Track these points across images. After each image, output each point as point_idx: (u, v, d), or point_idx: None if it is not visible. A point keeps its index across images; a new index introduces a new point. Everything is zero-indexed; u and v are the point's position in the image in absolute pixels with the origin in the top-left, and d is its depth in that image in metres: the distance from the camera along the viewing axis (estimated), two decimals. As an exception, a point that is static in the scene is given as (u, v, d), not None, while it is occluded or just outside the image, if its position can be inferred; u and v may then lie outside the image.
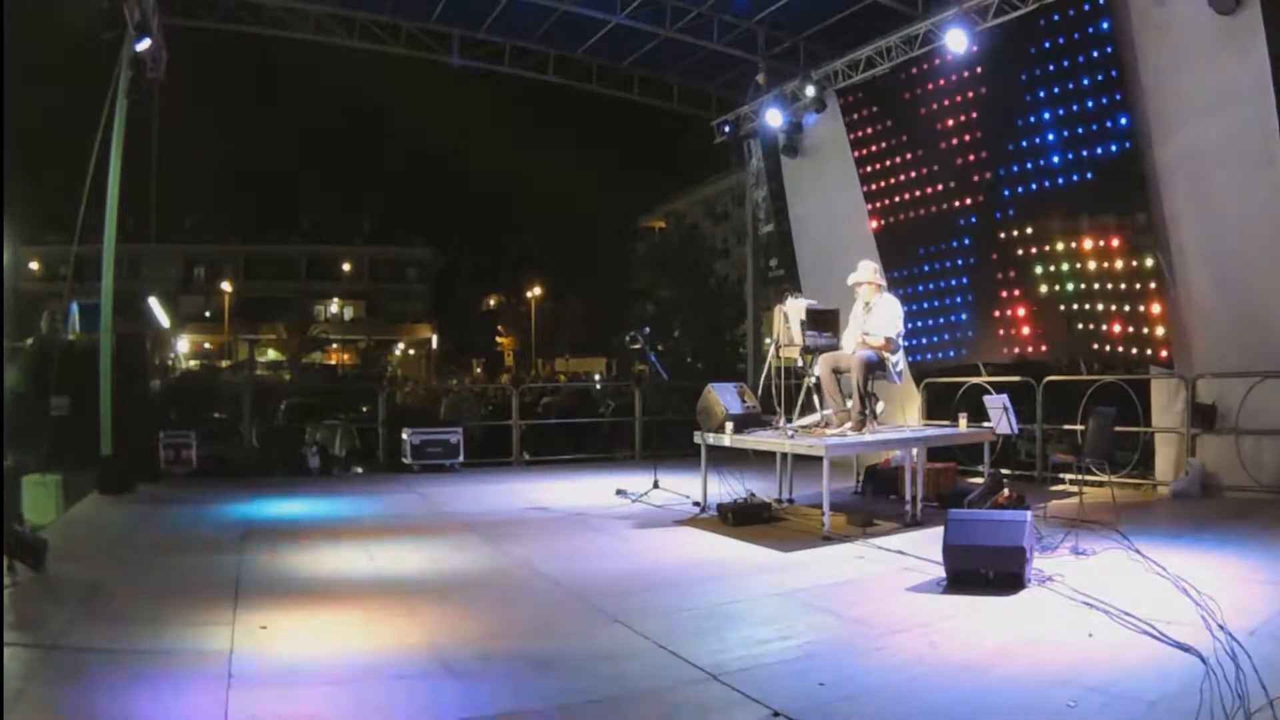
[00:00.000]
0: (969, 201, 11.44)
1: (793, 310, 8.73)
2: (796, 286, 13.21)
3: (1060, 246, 10.31)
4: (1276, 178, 8.30)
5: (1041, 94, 10.26)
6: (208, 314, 51.05)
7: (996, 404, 8.59)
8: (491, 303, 58.29)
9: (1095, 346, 10.13)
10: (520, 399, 14.45)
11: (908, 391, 11.44)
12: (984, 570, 5.45)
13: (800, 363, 8.94)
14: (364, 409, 14.90)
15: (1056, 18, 9.93)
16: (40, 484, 7.95)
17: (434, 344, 54.12)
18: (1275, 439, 8.59)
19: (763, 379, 9.34)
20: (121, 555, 7.02)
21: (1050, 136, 10.23)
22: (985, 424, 8.76)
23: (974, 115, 11.13)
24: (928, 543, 6.44)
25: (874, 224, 12.71)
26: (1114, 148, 9.57)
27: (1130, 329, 9.62)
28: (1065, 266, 10.30)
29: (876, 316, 8.45)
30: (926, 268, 12.10)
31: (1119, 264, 9.70)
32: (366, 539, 7.81)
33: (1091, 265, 10.00)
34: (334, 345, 53.29)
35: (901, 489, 8.53)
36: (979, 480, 9.45)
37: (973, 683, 4.01)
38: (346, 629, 5.02)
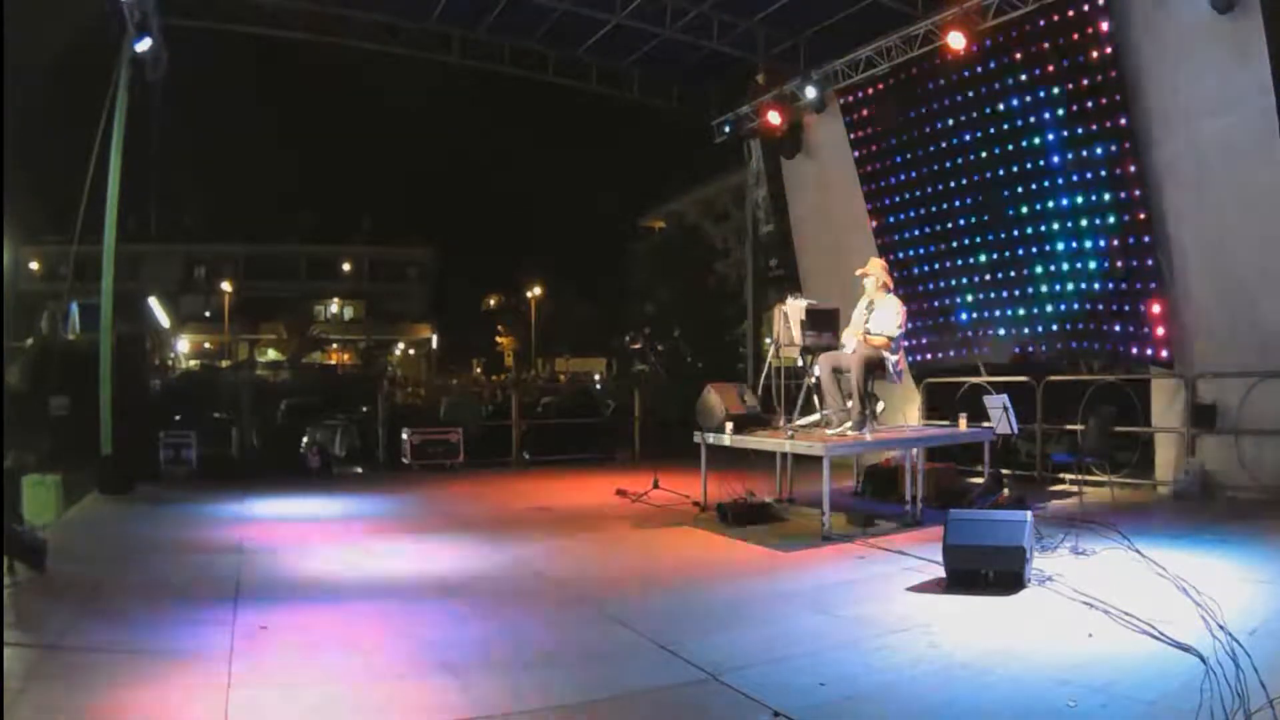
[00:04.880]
0: (969, 201, 11.44)
1: (793, 310, 8.73)
2: (796, 286, 13.21)
3: (1060, 246, 10.31)
4: (1276, 178, 8.30)
5: (1041, 94, 10.26)
6: (208, 314, 51.01)
7: (996, 404, 8.59)
8: (491, 303, 58.23)
9: (1095, 346, 10.13)
10: (520, 399, 14.46)
11: (908, 391, 11.45)
12: (984, 570, 5.45)
13: (800, 363, 8.93)
14: (364, 409, 14.90)
15: (1056, 18, 9.93)
16: (40, 484, 7.94)
17: (434, 344, 54.10)
18: (1275, 439, 8.58)
19: (763, 379, 9.34)
20: (121, 555, 7.01)
21: (1050, 137, 10.24)
22: (985, 424, 8.76)
23: (974, 115, 11.13)
24: (928, 543, 6.44)
25: (874, 224, 12.70)
26: (1114, 148, 9.57)
27: (1130, 329, 9.62)
28: (1065, 266, 10.31)
29: (879, 315, 8.45)
30: (926, 268, 12.11)
31: (1119, 264, 9.70)
32: (366, 539, 7.82)
33: (1092, 265, 10.00)
34: (334, 345, 53.25)
35: (901, 489, 8.53)
36: (979, 480, 9.45)
37: (973, 682, 4.00)
38: (346, 629, 5.02)
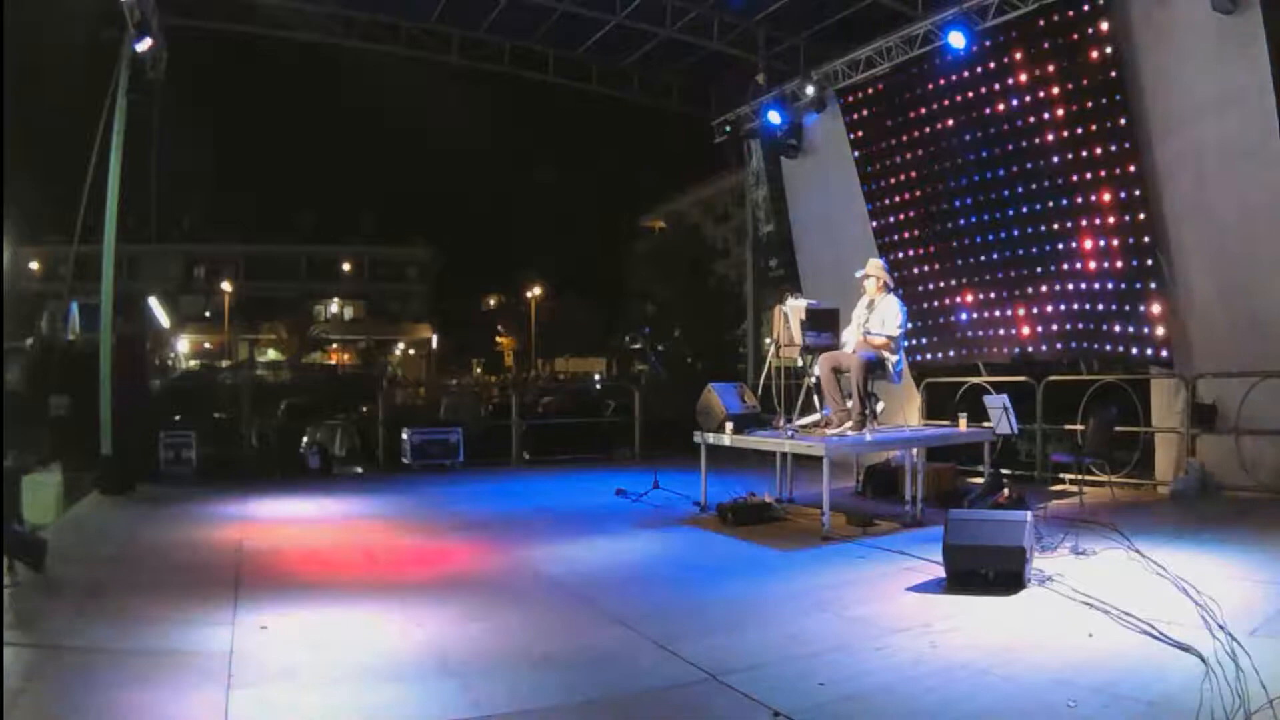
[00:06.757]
0: (969, 201, 11.44)
1: (793, 310, 8.73)
2: (796, 286, 13.21)
3: (1060, 246, 10.31)
4: (1276, 178, 8.30)
5: (1041, 94, 10.25)
6: (208, 314, 51.03)
7: (996, 404, 8.59)
8: (491, 303, 58.26)
9: (1095, 346, 10.13)
10: (520, 398, 14.46)
11: (908, 391, 11.44)
12: (984, 570, 5.45)
13: (800, 363, 8.93)
14: (364, 409, 14.90)
15: (1056, 18, 9.93)
16: (40, 484, 7.94)
17: (434, 344, 54.12)
18: (1275, 439, 8.58)
19: (763, 379, 9.34)
20: (121, 555, 7.02)
21: (1050, 136, 10.23)
22: (985, 424, 8.76)
23: (974, 115, 11.13)
24: (928, 543, 6.44)
25: (874, 224, 12.70)
26: (1114, 148, 9.56)
27: (1130, 329, 9.62)
28: (1065, 266, 10.30)
29: (879, 315, 8.46)
30: (927, 268, 12.11)
31: (1119, 264, 9.70)
32: (367, 539, 7.82)
33: (1091, 265, 10.00)
34: (334, 345, 53.26)
35: (901, 489, 8.53)
36: (979, 480, 9.45)
37: (973, 682, 4.01)
38: (346, 629, 5.02)
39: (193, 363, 47.68)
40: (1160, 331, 9.33)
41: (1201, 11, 8.51)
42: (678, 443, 11.18)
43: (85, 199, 10.55)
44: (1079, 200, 10.03)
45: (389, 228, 53.67)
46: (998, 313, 11.21)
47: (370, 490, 11.03)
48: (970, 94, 11.13)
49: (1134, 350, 9.64)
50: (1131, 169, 9.41)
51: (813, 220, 14.27)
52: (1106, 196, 9.72)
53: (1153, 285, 9.36)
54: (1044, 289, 10.58)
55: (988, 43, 10.71)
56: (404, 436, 13.04)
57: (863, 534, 7.45)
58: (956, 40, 10.65)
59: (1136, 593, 5.18)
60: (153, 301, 29.79)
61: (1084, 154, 9.89)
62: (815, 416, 8.82)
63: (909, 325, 9.04)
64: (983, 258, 11.33)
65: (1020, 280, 10.86)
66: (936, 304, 11.98)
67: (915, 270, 12.18)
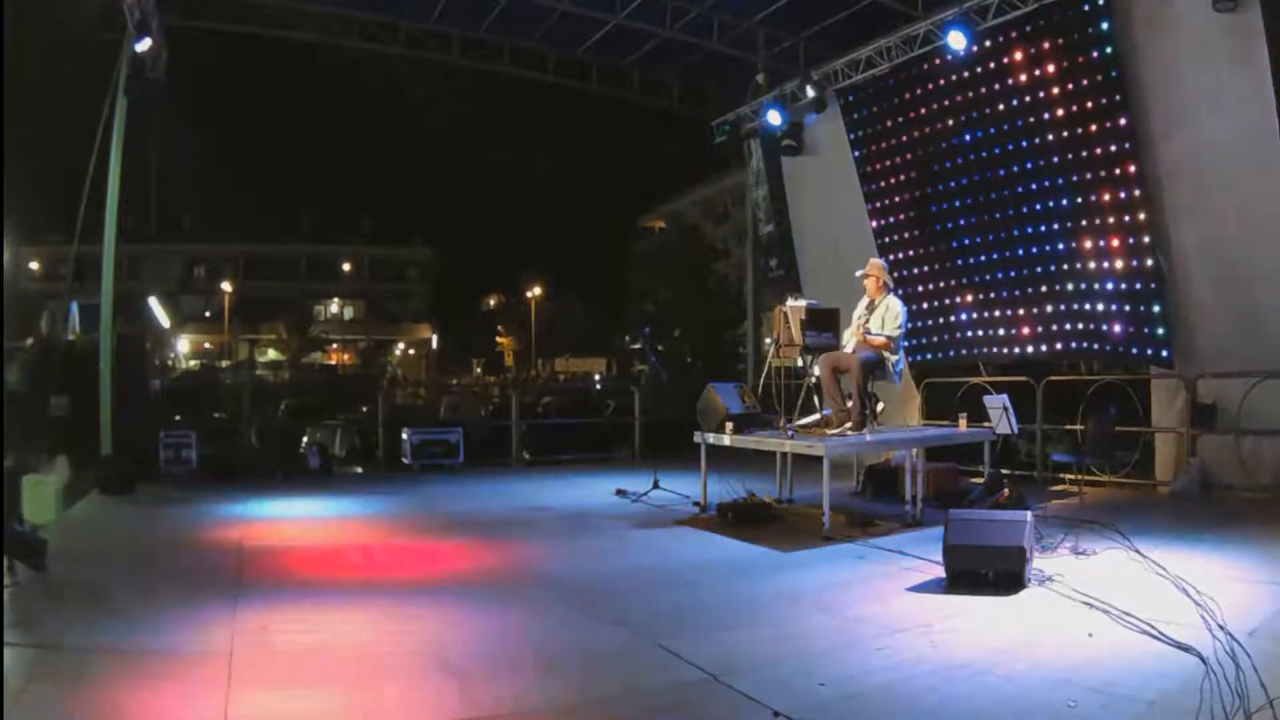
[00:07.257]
0: (969, 201, 11.44)
1: (793, 310, 8.73)
2: (796, 286, 13.22)
3: (1060, 246, 10.32)
4: (1276, 178, 8.31)
5: (1041, 94, 10.26)
6: (208, 314, 51.05)
7: (996, 404, 8.59)
8: (491, 303, 58.29)
9: (1095, 346, 10.13)
10: (520, 398, 14.46)
11: (908, 391, 11.45)
12: (984, 570, 5.45)
13: (800, 363, 8.94)
14: (364, 409, 14.92)
15: (1056, 18, 9.94)
16: (40, 484, 7.93)
17: (434, 344, 54.14)
18: (1275, 439, 8.59)
19: (763, 379, 9.34)
20: (121, 555, 7.01)
21: (1050, 137, 10.24)
22: (985, 424, 8.76)
23: (974, 115, 11.13)
24: (928, 543, 6.44)
25: (874, 224, 12.71)
26: (1114, 148, 9.57)
27: (1130, 329, 9.63)
28: (1065, 266, 10.31)
29: (879, 315, 8.46)
30: (927, 268, 12.11)
31: (1119, 264, 9.71)
32: (367, 539, 7.82)
33: (1091, 265, 10.01)
34: (334, 345, 53.29)
35: (901, 489, 8.53)
36: (979, 480, 9.46)
37: (973, 682, 4.00)
38: (346, 629, 5.02)
39: (193, 363, 47.73)
40: (1160, 331, 9.34)
41: (1201, 11, 8.52)
42: (678, 443, 11.17)
43: (85, 199, 10.55)
44: (1079, 200, 10.04)
45: (389, 228, 53.75)
46: (998, 313, 11.22)
47: (370, 490, 11.02)
48: (970, 94, 11.14)
49: (1134, 350, 9.64)
50: (1131, 169, 9.43)
51: (813, 220, 14.28)
52: (1106, 196, 9.73)
53: (1153, 285, 9.37)
54: (1044, 289, 10.59)
55: (988, 43, 10.72)
56: (404, 437, 13.04)
57: (863, 534, 7.44)
58: (956, 40, 10.66)
59: (1136, 593, 5.18)
60: (153, 301, 29.79)
61: (1084, 154, 9.90)
62: (815, 416, 8.83)
63: (909, 325, 9.05)
64: (983, 258, 11.34)
65: (1020, 280, 10.87)
66: (936, 304, 11.98)
67: (915, 270, 12.19)
